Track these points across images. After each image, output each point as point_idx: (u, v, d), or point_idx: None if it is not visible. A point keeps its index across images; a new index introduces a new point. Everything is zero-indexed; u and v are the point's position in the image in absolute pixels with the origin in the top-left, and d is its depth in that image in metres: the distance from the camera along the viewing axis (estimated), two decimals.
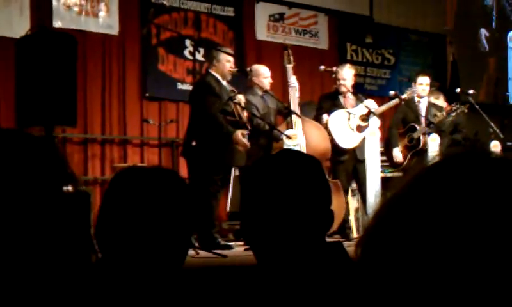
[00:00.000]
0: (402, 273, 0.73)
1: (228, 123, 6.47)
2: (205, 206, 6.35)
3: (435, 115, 8.01)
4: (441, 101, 8.65)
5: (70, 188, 1.32)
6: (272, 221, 1.82)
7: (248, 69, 7.41)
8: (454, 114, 8.09)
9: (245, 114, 6.73)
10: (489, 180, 0.73)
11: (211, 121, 6.44)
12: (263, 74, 7.21)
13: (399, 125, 8.21)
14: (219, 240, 6.59)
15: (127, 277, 1.69)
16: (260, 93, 7.13)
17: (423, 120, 8.03)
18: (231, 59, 6.84)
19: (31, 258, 1.16)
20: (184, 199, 1.79)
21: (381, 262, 0.76)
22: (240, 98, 6.70)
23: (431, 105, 8.18)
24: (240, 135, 6.45)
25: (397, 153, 8.09)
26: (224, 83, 6.71)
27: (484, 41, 12.38)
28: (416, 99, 8.12)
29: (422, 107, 8.13)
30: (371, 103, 7.73)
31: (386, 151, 8.21)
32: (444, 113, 8.04)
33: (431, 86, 8.29)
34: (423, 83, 8.13)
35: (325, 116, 7.53)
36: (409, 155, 8.04)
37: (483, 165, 0.75)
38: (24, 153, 1.19)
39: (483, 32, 12.36)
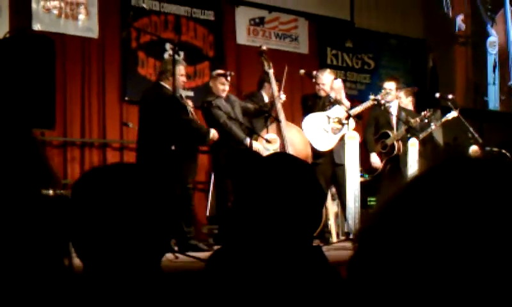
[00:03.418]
0: (398, 276, 0.74)
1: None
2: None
3: (407, 120, 8.02)
4: (410, 104, 8.62)
5: (50, 191, 1.30)
6: (265, 223, 1.81)
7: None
8: (426, 120, 8.12)
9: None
10: (473, 182, 0.75)
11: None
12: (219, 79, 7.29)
13: (373, 126, 8.19)
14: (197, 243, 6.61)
15: (109, 283, 1.64)
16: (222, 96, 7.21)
17: (395, 125, 8.05)
18: (184, 72, 7.00)
19: (5, 260, 1.14)
20: (151, 193, 1.71)
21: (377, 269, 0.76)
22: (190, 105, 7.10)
23: (401, 110, 8.21)
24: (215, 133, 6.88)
25: (375, 159, 8.07)
26: (178, 94, 6.82)
27: (462, 24, 12.41)
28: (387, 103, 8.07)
29: (393, 112, 8.14)
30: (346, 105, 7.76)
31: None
32: (418, 119, 8.06)
33: (399, 89, 8.29)
34: (386, 88, 8.15)
35: None
36: (383, 162, 8.05)
37: (466, 170, 0.77)
38: (3, 151, 1.17)
39: (459, 17, 12.38)
